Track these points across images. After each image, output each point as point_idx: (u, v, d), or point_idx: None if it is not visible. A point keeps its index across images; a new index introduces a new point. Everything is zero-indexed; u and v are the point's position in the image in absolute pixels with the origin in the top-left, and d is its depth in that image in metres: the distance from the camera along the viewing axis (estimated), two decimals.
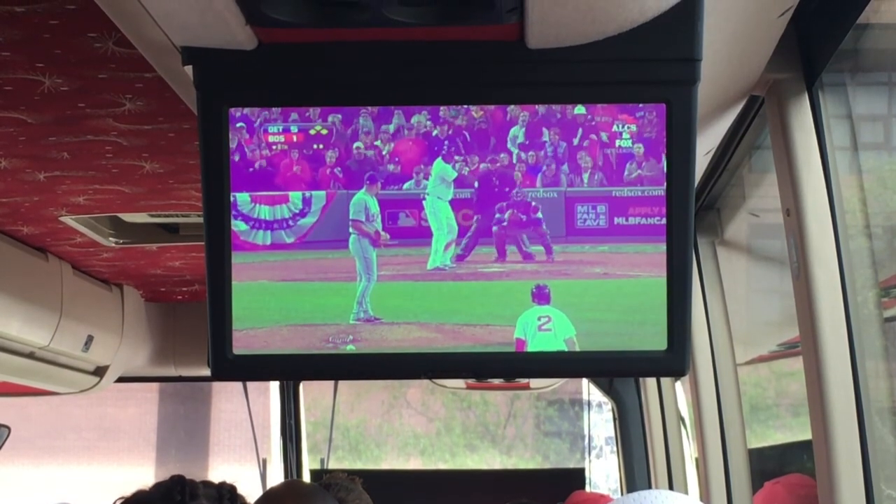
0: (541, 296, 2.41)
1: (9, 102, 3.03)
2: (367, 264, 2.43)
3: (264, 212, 2.42)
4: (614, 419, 7.40)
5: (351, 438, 18.42)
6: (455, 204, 2.41)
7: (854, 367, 2.81)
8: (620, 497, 1.26)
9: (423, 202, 2.41)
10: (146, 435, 17.44)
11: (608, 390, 7.30)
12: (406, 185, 2.40)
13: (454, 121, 2.37)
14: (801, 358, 2.94)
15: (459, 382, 7.67)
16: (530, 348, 2.41)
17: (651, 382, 6.47)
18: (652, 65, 2.30)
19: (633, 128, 2.35)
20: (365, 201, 2.41)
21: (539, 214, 2.40)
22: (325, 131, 2.38)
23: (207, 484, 2.91)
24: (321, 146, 2.39)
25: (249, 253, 2.43)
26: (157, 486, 2.88)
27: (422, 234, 2.42)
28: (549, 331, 2.40)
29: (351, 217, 2.42)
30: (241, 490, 3.00)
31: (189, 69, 2.34)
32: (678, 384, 6.13)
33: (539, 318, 2.41)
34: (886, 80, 3.42)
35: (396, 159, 2.39)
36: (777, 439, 5.74)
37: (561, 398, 18.28)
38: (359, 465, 18.25)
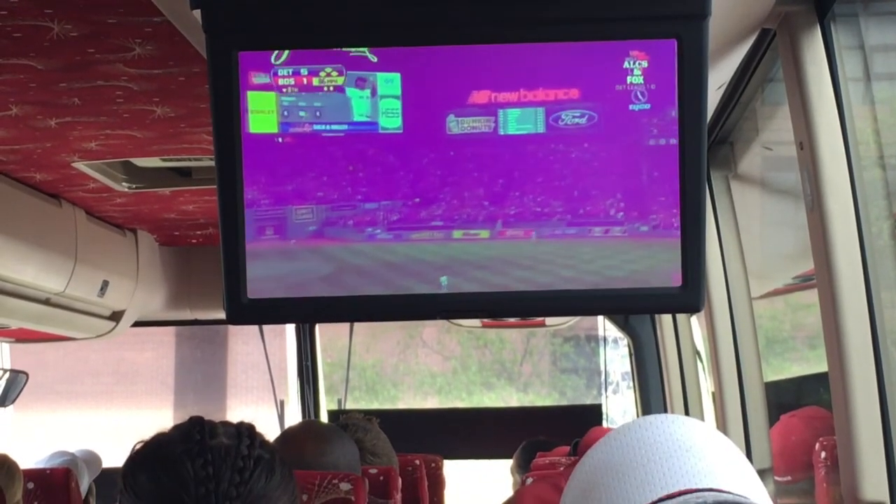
0: None
1: (19, 49, 3.02)
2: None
3: None
4: (630, 355, 7.42)
5: (367, 379, 18.47)
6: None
7: (869, 298, 2.81)
8: (630, 421, 1.26)
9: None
10: (163, 378, 17.52)
11: (624, 326, 7.32)
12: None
13: (467, 63, 2.35)
14: (816, 290, 2.94)
15: (475, 321, 7.68)
16: None
17: (667, 317, 6.47)
18: None
19: (645, 64, 2.33)
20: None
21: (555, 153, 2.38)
22: (337, 74, 2.37)
23: (226, 424, 2.92)
24: (333, 90, 2.37)
25: None
26: (177, 428, 2.89)
27: None
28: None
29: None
30: (259, 430, 3.01)
31: (198, 13, 2.33)
32: (693, 318, 6.13)
33: None
34: None
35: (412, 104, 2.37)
36: (793, 372, 5.74)
37: (577, 335, 18.29)
38: (375, 406, 18.31)
